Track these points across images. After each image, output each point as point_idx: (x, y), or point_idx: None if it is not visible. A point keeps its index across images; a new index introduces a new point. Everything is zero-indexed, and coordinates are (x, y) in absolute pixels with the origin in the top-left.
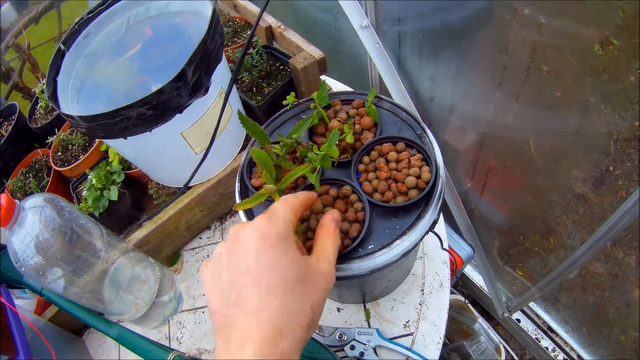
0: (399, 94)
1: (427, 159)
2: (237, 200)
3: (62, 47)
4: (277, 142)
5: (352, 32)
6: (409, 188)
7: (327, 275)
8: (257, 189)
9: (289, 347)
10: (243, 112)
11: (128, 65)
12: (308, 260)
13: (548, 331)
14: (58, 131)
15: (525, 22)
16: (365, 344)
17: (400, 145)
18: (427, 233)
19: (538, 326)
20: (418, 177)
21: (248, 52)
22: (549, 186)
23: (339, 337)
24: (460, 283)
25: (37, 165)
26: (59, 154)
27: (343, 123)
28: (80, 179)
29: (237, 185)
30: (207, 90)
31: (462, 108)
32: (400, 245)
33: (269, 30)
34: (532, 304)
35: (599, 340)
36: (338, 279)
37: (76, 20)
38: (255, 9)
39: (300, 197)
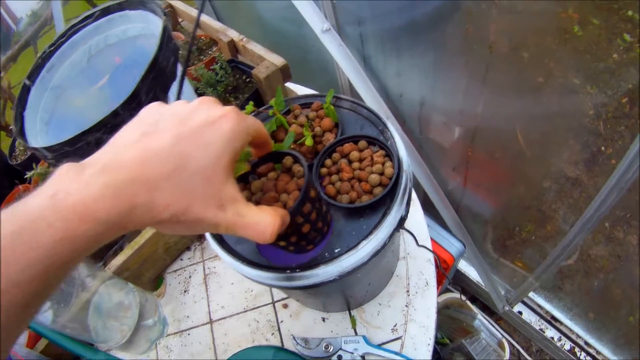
0: (368, 93)
1: (390, 154)
2: None
3: (27, 82)
4: None
5: (317, 38)
6: (373, 186)
7: (220, 219)
8: None
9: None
10: None
11: (99, 95)
12: (231, 187)
13: (552, 320)
14: (36, 166)
15: (501, 9)
16: (352, 353)
17: (362, 143)
18: (397, 230)
19: (541, 316)
20: (381, 173)
21: (211, 67)
22: (540, 173)
23: (325, 348)
24: (452, 281)
25: None
26: None
27: (303, 127)
28: None
29: None
30: None
31: (436, 103)
32: (368, 246)
33: (232, 44)
34: (533, 295)
35: (606, 324)
36: (305, 287)
37: (39, 54)
38: (218, 25)
39: (259, 127)
